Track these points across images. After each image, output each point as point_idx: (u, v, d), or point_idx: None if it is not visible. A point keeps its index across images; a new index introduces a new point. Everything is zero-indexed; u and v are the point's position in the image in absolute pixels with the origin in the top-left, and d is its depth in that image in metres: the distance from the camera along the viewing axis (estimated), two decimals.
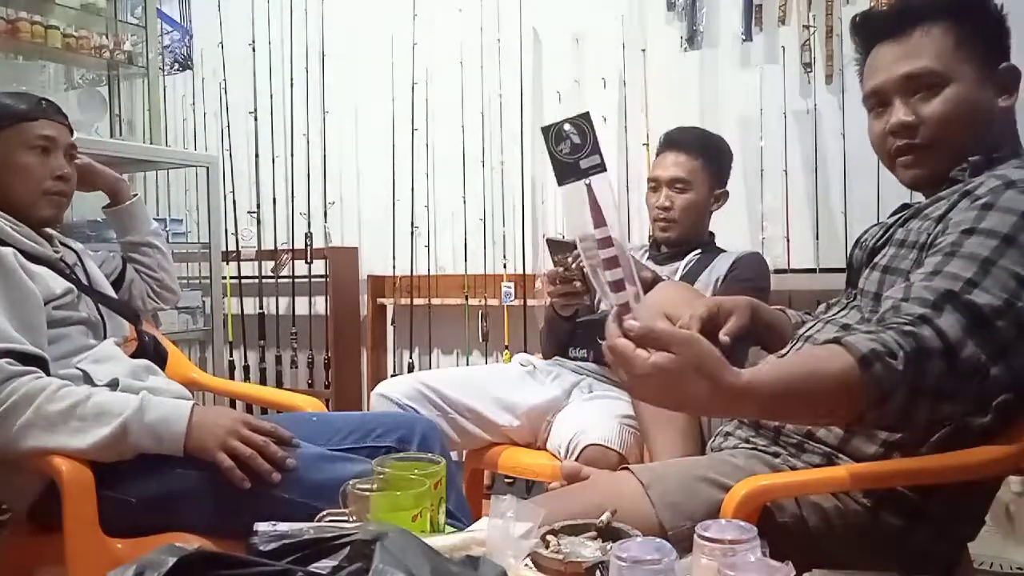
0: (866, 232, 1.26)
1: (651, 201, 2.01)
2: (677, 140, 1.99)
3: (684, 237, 1.98)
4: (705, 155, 1.97)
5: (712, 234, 2.05)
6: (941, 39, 1.11)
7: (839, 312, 1.22)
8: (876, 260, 1.15)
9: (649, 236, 2.10)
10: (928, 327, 0.91)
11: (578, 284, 1.77)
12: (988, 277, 0.95)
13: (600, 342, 1.88)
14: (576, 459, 1.62)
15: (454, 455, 2.04)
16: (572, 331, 1.98)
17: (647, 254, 2.07)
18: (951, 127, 1.11)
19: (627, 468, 1.13)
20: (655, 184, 1.99)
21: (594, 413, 1.73)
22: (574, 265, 1.73)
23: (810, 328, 1.24)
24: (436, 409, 1.79)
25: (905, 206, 1.22)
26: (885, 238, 1.18)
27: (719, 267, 1.89)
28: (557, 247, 1.79)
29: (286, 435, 1.29)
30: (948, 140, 1.12)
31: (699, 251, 1.96)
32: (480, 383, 1.87)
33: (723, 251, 1.99)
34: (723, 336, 1.22)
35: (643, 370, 0.83)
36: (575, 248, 1.76)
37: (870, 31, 1.19)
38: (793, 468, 1.13)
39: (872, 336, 0.91)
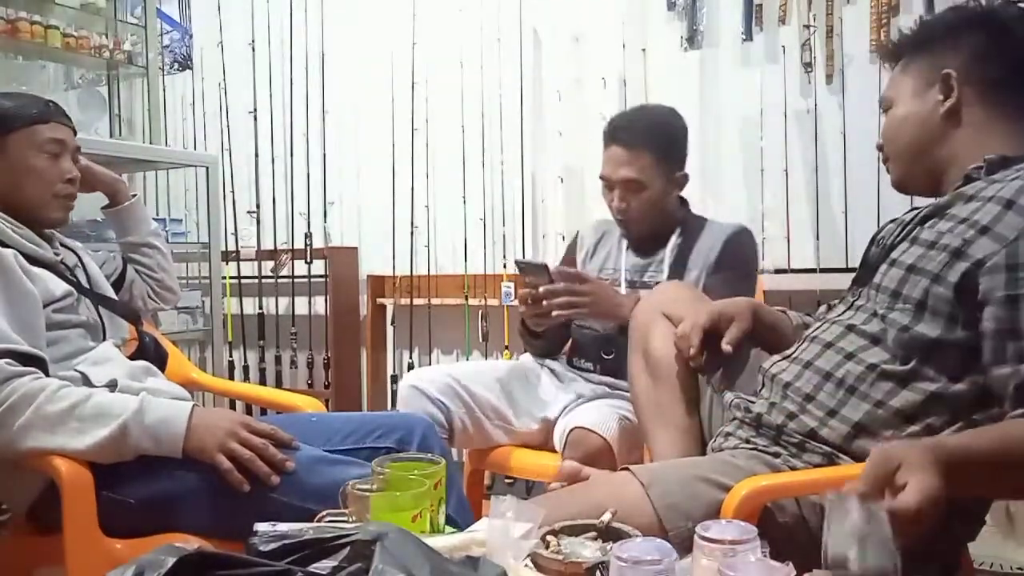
0: (882, 229, 1.26)
1: (606, 199, 1.85)
2: (623, 136, 1.78)
3: (651, 231, 1.86)
4: (655, 147, 1.78)
5: (684, 201, 1.92)
6: (897, 69, 1.26)
7: (844, 313, 1.22)
8: (895, 257, 1.16)
9: None
10: None
11: (547, 303, 1.68)
12: None
13: (605, 356, 1.85)
14: (564, 445, 1.63)
15: (455, 454, 2.04)
16: (561, 341, 1.97)
17: (627, 245, 1.94)
18: (890, 138, 1.26)
19: (627, 468, 1.13)
20: (607, 183, 1.83)
21: (591, 406, 1.73)
22: (543, 289, 1.66)
23: (816, 329, 1.25)
24: (464, 406, 1.79)
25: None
26: (904, 235, 1.18)
27: (705, 250, 1.81)
28: (528, 269, 1.72)
29: (285, 437, 1.29)
30: (895, 153, 1.26)
31: (679, 234, 1.85)
32: (505, 384, 1.86)
33: (704, 221, 1.88)
34: (725, 345, 1.29)
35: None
36: (547, 271, 1.68)
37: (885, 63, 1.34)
38: (793, 468, 1.13)
39: None
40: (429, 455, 1.06)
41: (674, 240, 1.85)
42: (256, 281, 3.33)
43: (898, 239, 1.18)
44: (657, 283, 1.80)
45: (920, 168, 1.22)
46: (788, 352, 1.26)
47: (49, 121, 1.48)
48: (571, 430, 1.63)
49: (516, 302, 2.75)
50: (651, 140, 1.78)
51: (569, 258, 2.01)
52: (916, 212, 1.19)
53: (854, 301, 1.22)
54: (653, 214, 1.82)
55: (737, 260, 1.80)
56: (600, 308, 1.69)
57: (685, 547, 0.79)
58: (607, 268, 1.92)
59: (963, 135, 1.16)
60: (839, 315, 1.23)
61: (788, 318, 1.42)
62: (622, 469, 1.15)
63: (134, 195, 1.82)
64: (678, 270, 1.82)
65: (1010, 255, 1.01)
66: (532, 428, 1.84)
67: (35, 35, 2.89)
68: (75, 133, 1.56)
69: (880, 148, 1.29)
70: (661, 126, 1.82)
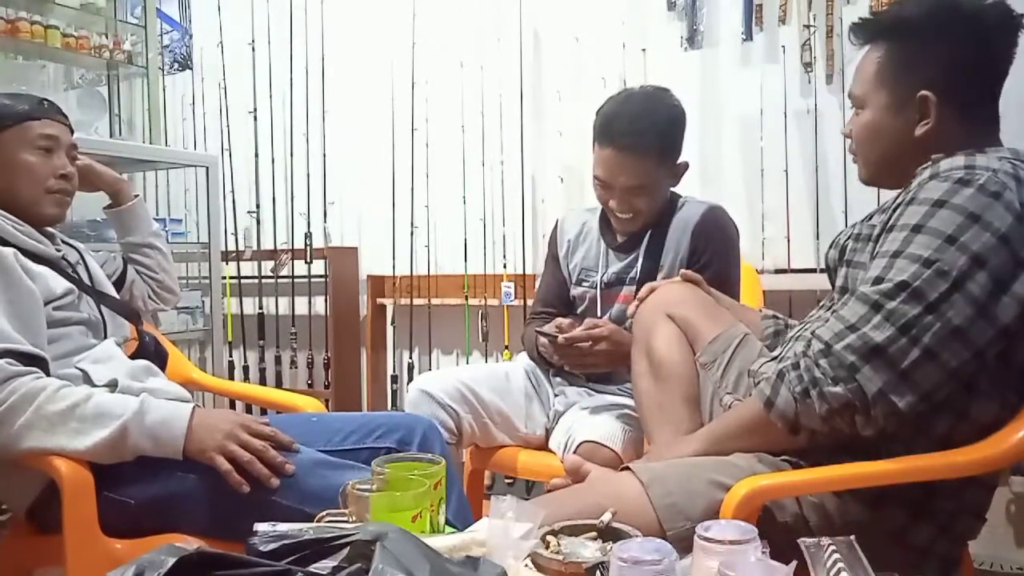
0: (840, 233, 1.31)
1: (602, 199, 1.76)
2: (625, 141, 1.64)
3: (645, 227, 1.79)
4: (659, 149, 1.67)
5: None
6: (869, 65, 1.22)
7: (826, 312, 1.26)
8: (845, 257, 1.22)
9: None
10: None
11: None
12: (892, 270, 1.04)
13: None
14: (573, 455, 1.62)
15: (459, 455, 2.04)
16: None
17: (599, 240, 1.87)
18: (861, 145, 1.25)
19: (627, 467, 1.14)
20: (604, 185, 1.72)
21: (593, 411, 1.73)
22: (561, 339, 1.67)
23: (801, 328, 1.29)
24: (472, 411, 1.78)
25: None
26: (850, 235, 1.24)
27: (677, 234, 1.76)
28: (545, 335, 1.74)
29: (285, 440, 1.28)
30: (863, 155, 1.26)
31: (649, 228, 1.79)
32: (511, 388, 1.86)
33: (676, 202, 1.80)
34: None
35: None
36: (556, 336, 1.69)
37: (852, 40, 1.28)
38: (797, 465, 1.14)
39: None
40: (429, 455, 1.06)
41: (646, 239, 1.78)
42: (256, 281, 3.33)
43: (848, 239, 1.23)
44: (632, 278, 1.79)
45: (891, 173, 1.23)
46: (775, 353, 1.28)
47: (41, 118, 1.48)
48: (580, 444, 1.61)
49: (516, 302, 2.77)
50: (655, 142, 1.66)
51: (552, 254, 1.96)
52: (870, 214, 1.24)
53: (830, 306, 1.25)
54: (654, 210, 1.77)
55: (709, 240, 1.74)
56: (614, 360, 1.67)
57: (684, 547, 0.79)
58: (588, 269, 1.87)
59: (940, 149, 1.16)
60: (821, 314, 1.26)
61: (755, 310, 1.51)
62: (622, 468, 1.15)
63: (136, 195, 1.82)
64: (652, 261, 1.77)
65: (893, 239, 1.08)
66: (537, 433, 1.85)
67: (35, 35, 2.89)
68: (71, 131, 1.56)
69: (848, 136, 1.29)
70: (664, 123, 1.69)
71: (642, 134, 1.65)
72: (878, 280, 1.05)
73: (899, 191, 1.16)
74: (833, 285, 1.29)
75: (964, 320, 1.00)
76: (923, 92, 1.15)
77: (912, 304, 1.01)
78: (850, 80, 2.32)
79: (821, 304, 1.31)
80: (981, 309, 1.00)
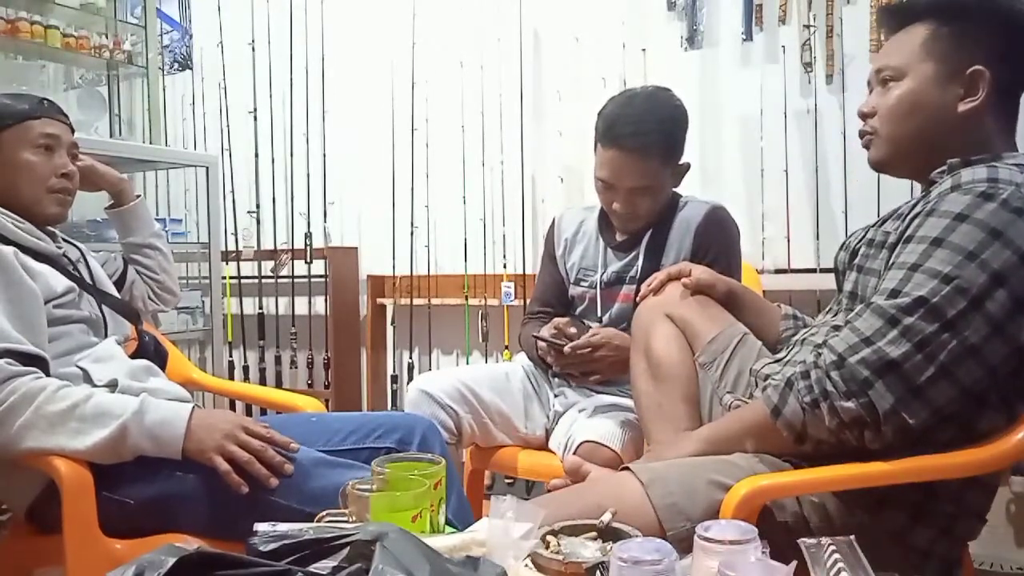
0: (851, 235, 1.29)
1: (605, 201, 1.76)
2: (630, 143, 1.65)
3: (646, 226, 1.79)
4: (663, 150, 1.68)
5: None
6: (914, 37, 1.17)
7: (833, 316, 1.25)
8: (856, 261, 1.20)
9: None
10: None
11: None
12: (910, 284, 1.02)
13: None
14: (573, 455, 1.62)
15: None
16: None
17: (598, 238, 1.87)
18: (894, 119, 1.17)
19: (627, 467, 1.14)
20: (608, 186, 1.72)
21: (593, 411, 1.73)
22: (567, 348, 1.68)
23: (807, 332, 1.28)
24: (472, 411, 1.79)
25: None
26: (862, 239, 1.22)
27: (680, 233, 1.76)
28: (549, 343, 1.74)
29: (284, 440, 1.28)
30: (892, 131, 1.18)
31: (650, 227, 1.79)
32: (511, 388, 1.86)
33: (677, 201, 1.80)
34: (684, 280, 1.43)
35: None
36: (562, 345, 1.70)
37: (883, 23, 1.26)
38: (798, 466, 1.14)
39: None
40: (429, 455, 1.06)
41: (646, 239, 1.78)
42: (256, 281, 3.33)
43: (860, 243, 1.21)
44: (632, 277, 1.78)
45: (913, 156, 1.19)
46: (779, 355, 1.27)
47: (42, 117, 1.48)
48: (580, 444, 1.61)
49: (516, 302, 2.77)
50: (660, 142, 1.67)
51: (549, 253, 1.95)
52: (882, 218, 1.22)
53: (838, 310, 1.25)
54: (656, 211, 1.77)
55: (712, 239, 1.75)
56: (616, 367, 1.67)
57: (684, 547, 0.79)
58: (586, 268, 1.87)
59: (970, 136, 1.14)
60: (829, 318, 1.25)
61: (775, 307, 1.46)
62: (622, 468, 1.15)
63: (138, 195, 1.82)
64: (653, 260, 1.76)
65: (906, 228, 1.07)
66: (537, 433, 1.85)
67: (35, 35, 2.89)
68: (72, 130, 1.56)
69: (864, 117, 1.23)
70: (668, 123, 1.69)
71: (647, 135, 1.65)
72: (895, 293, 1.03)
73: (917, 200, 1.14)
74: (840, 287, 1.27)
75: (980, 339, 0.99)
76: (977, 67, 1.12)
77: (929, 321, 0.99)
78: (850, 80, 2.33)
79: (828, 308, 1.30)
80: (998, 328, 0.99)
